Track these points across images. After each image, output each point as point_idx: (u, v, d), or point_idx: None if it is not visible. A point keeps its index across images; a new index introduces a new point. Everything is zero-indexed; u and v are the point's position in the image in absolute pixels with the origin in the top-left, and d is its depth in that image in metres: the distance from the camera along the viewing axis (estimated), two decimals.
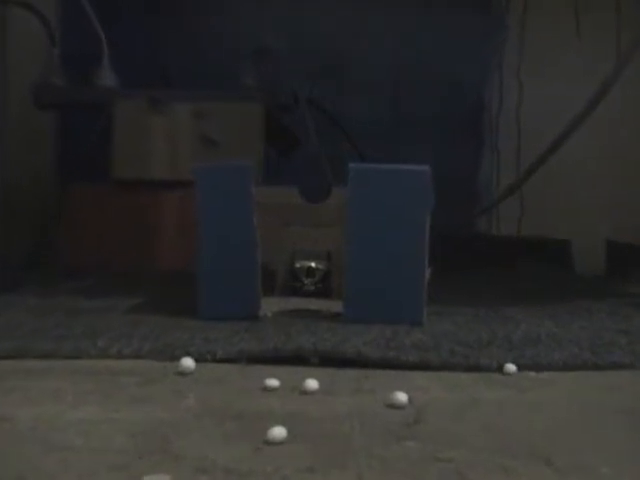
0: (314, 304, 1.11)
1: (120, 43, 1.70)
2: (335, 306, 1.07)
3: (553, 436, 0.64)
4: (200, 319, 1.03)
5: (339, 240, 1.08)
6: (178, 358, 0.83)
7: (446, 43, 2.00)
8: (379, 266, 1.04)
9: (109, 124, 1.60)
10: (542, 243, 1.92)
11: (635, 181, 2.06)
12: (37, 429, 0.63)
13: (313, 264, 1.17)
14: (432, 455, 0.58)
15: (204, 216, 1.06)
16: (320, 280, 1.17)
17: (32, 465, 0.55)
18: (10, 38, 1.69)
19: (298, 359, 0.86)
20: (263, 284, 1.06)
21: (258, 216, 1.05)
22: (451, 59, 2.00)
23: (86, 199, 1.61)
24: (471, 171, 2.06)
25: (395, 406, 0.70)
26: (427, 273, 1.05)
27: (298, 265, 1.17)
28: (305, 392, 0.75)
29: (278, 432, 0.61)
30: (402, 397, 0.71)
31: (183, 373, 0.81)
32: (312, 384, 0.75)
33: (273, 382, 0.76)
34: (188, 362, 0.82)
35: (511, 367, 0.84)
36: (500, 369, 0.84)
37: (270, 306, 1.08)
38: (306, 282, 1.16)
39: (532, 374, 0.84)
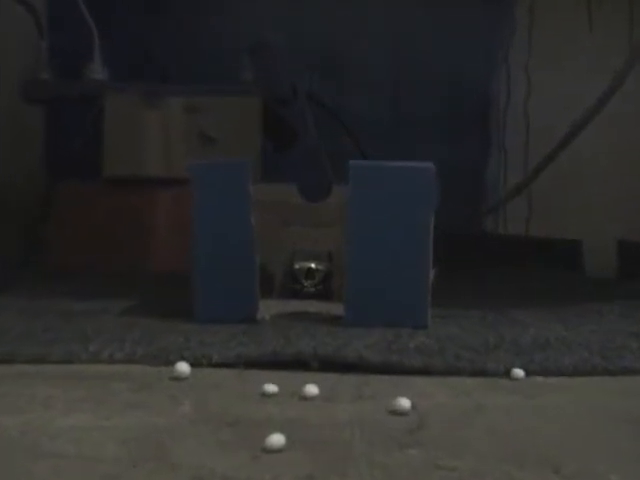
0: (314, 307, 1.11)
1: (112, 35, 1.70)
2: (336, 309, 1.08)
3: (562, 444, 0.64)
4: (196, 322, 1.03)
5: (340, 240, 1.08)
6: (173, 363, 0.83)
7: (450, 36, 2.00)
8: (381, 267, 1.04)
9: (100, 119, 1.60)
10: (551, 243, 1.92)
11: None
12: (26, 436, 0.63)
13: (313, 265, 1.17)
14: (435, 463, 0.59)
15: (200, 215, 1.06)
16: (320, 282, 1.17)
17: (21, 474, 0.56)
18: None
19: (297, 364, 0.86)
20: (261, 286, 1.06)
21: (256, 215, 1.05)
22: (455, 53, 2.00)
23: (77, 197, 1.62)
24: (477, 169, 2.06)
25: (398, 412, 0.71)
26: (431, 274, 1.05)
27: (297, 266, 1.17)
28: (305, 398, 0.75)
29: (277, 439, 0.61)
30: (405, 403, 0.71)
31: (178, 378, 0.81)
32: (312, 390, 0.75)
33: (271, 388, 0.76)
34: (183, 367, 0.82)
35: (519, 372, 0.84)
36: (507, 374, 0.84)
37: (268, 309, 1.08)
38: (306, 284, 1.17)
39: (540, 379, 0.84)
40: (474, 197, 2.05)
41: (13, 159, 1.76)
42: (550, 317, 1.14)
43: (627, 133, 2.07)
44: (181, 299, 1.09)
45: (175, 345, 0.91)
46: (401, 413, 0.71)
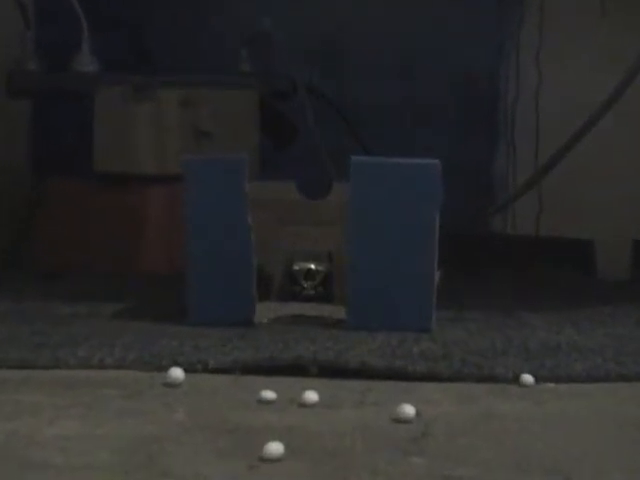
0: (314, 309, 1.11)
1: (102, 26, 1.70)
2: (337, 312, 1.08)
3: (573, 452, 0.64)
4: (190, 325, 1.04)
5: (341, 240, 1.08)
6: (166, 368, 0.83)
7: (455, 23, 2.00)
8: (384, 268, 1.04)
9: (90, 113, 1.60)
10: (562, 243, 1.92)
11: None
12: (13, 446, 0.63)
13: (313, 266, 1.17)
14: (441, 473, 0.59)
15: (194, 213, 1.06)
16: (320, 283, 1.17)
17: None
18: None
19: (296, 369, 0.86)
20: (258, 288, 1.07)
21: (253, 213, 1.06)
22: (461, 43, 2.00)
23: (65, 195, 1.62)
24: (484, 165, 2.06)
25: (402, 420, 0.71)
26: (436, 276, 1.05)
27: (296, 267, 1.17)
28: (304, 405, 0.75)
29: (275, 448, 0.61)
30: (409, 410, 0.71)
31: (171, 384, 0.81)
32: (311, 396, 0.76)
33: (269, 394, 0.76)
34: (177, 372, 0.82)
35: (528, 378, 0.84)
36: (516, 380, 0.84)
37: (266, 312, 1.08)
38: (305, 285, 1.17)
39: (551, 385, 0.84)
40: (481, 195, 2.05)
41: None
42: (561, 320, 1.15)
43: None
44: (175, 301, 1.09)
45: (168, 350, 0.91)
46: (405, 421, 0.71)
